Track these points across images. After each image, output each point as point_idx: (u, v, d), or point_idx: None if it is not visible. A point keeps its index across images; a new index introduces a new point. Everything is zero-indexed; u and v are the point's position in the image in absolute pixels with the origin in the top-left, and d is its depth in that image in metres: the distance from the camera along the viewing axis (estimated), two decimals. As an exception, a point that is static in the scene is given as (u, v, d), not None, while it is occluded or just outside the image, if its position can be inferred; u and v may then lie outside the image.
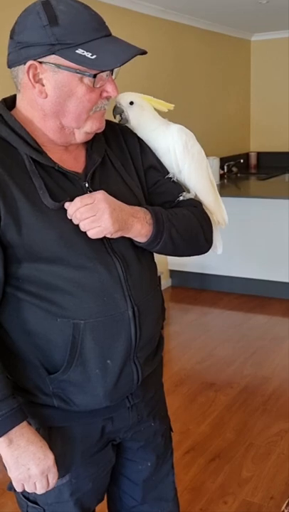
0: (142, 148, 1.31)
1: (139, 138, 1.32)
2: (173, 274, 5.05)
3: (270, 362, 3.54)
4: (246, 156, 6.37)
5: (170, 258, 4.96)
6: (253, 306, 4.53)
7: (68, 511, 1.27)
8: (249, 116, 6.49)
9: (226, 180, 5.54)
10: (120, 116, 1.28)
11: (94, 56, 1.06)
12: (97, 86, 1.11)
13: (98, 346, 1.16)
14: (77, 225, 1.12)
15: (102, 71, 1.09)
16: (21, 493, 1.24)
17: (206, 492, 2.36)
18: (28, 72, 1.08)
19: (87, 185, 1.17)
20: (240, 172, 5.88)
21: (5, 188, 1.08)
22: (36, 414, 1.20)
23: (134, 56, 1.08)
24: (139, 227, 1.17)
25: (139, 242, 1.21)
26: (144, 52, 1.10)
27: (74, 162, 1.20)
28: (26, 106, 1.15)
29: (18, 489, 1.17)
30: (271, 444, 2.67)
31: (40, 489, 1.16)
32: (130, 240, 1.19)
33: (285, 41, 6.01)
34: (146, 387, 1.31)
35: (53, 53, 1.06)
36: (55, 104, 1.11)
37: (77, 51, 1.06)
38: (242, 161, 6.05)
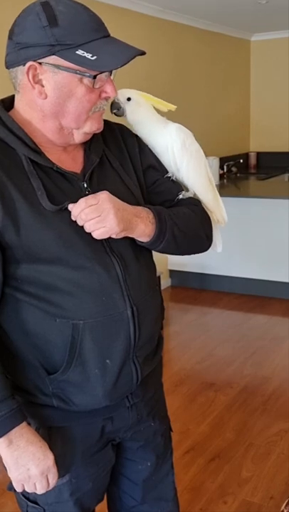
0: (141, 148, 1.31)
1: (138, 138, 1.32)
2: (173, 274, 5.05)
3: (270, 362, 3.55)
4: (246, 156, 6.37)
5: (170, 258, 4.97)
6: (253, 306, 4.53)
7: (68, 511, 1.27)
8: (249, 116, 6.49)
9: (225, 180, 5.54)
10: (117, 111, 1.28)
11: (94, 57, 1.06)
12: (97, 87, 1.11)
13: (97, 346, 1.16)
14: (76, 226, 1.12)
15: (102, 72, 1.09)
16: (21, 493, 1.25)
17: (206, 492, 2.36)
18: (27, 72, 1.08)
19: (85, 185, 1.17)
20: (239, 172, 5.88)
21: (3, 189, 1.08)
22: (36, 414, 1.20)
23: (134, 57, 1.09)
24: (143, 226, 1.18)
25: (142, 242, 1.21)
26: (143, 53, 1.10)
27: (72, 162, 1.20)
28: (25, 107, 1.15)
29: (18, 489, 1.17)
30: (271, 444, 2.67)
31: (40, 489, 1.16)
32: (129, 239, 1.19)
33: (284, 41, 6.01)
34: (145, 387, 1.32)
35: (52, 54, 1.06)
36: (55, 105, 1.11)
37: (77, 52, 1.06)
38: (241, 161, 6.05)
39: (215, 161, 5.06)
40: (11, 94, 1.20)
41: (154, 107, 1.31)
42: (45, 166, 1.13)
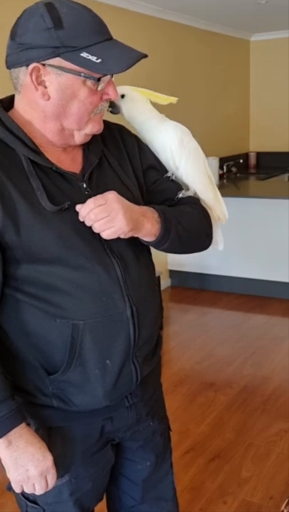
0: (141, 148, 1.31)
1: (137, 138, 1.32)
2: (172, 274, 5.05)
3: (270, 362, 3.55)
4: (246, 156, 6.37)
5: (170, 258, 4.97)
6: (253, 306, 4.53)
7: (68, 511, 1.27)
8: (248, 116, 6.49)
9: (225, 181, 5.53)
10: (113, 109, 1.28)
11: (99, 60, 1.06)
12: (100, 89, 1.12)
13: (97, 346, 1.16)
14: (76, 226, 1.12)
15: (106, 75, 1.10)
16: (21, 493, 1.25)
17: (206, 492, 2.36)
18: (31, 74, 1.08)
19: (84, 185, 1.17)
20: (239, 172, 5.88)
21: (3, 189, 1.08)
22: (36, 414, 1.20)
23: (138, 61, 1.09)
24: (150, 226, 1.18)
25: (148, 242, 1.22)
26: (145, 56, 1.10)
27: (71, 163, 1.20)
28: (26, 107, 1.15)
29: (17, 490, 1.17)
30: (271, 444, 2.67)
31: (38, 490, 1.16)
32: (128, 239, 1.19)
33: (284, 41, 6.01)
34: (145, 387, 1.32)
35: (57, 56, 1.06)
36: (58, 107, 1.11)
37: (81, 54, 1.06)
38: (241, 161, 6.05)
39: (215, 161, 5.05)
40: (10, 94, 1.20)
41: (153, 103, 1.31)
42: (45, 166, 1.13)
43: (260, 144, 6.47)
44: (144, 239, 1.21)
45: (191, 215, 1.30)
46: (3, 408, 1.11)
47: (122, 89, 1.27)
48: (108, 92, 1.14)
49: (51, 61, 1.07)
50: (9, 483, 1.18)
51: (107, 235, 1.12)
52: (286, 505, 1.85)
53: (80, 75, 1.08)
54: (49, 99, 1.10)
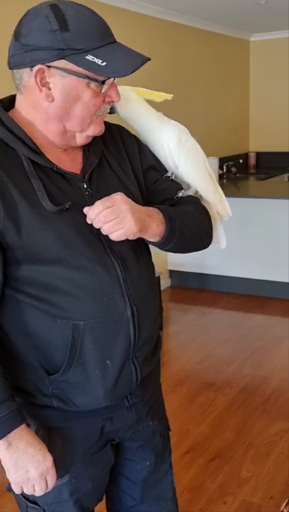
0: (140, 148, 1.31)
1: (137, 139, 1.32)
2: (172, 274, 5.05)
3: (270, 362, 3.55)
4: (245, 156, 6.37)
5: (169, 258, 4.97)
6: (253, 306, 4.53)
7: (68, 511, 1.27)
8: (248, 117, 6.50)
9: (225, 181, 5.54)
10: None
11: (104, 63, 1.06)
12: (104, 91, 1.12)
13: (98, 347, 1.16)
14: (77, 226, 1.12)
15: (109, 78, 1.10)
16: (21, 493, 1.25)
17: (206, 492, 2.36)
18: (36, 75, 1.08)
19: (85, 186, 1.17)
20: (239, 172, 5.88)
21: (4, 189, 1.08)
22: (36, 415, 1.20)
23: (142, 65, 1.09)
24: (155, 226, 1.19)
25: (153, 242, 1.22)
26: (148, 60, 1.10)
27: (72, 163, 1.20)
28: (27, 108, 1.15)
29: (17, 491, 1.17)
30: (270, 444, 2.67)
31: (38, 491, 1.16)
32: (128, 240, 1.19)
33: (284, 41, 6.01)
34: (145, 387, 1.32)
35: (62, 58, 1.06)
36: (61, 109, 1.11)
37: (87, 57, 1.06)
38: (241, 161, 6.06)
39: (214, 161, 5.06)
40: (10, 94, 1.20)
41: (149, 101, 1.31)
42: (45, 166, 1.13)
43: (259, 144, 6.47)
44: (150, 239, 1.21)
45: (193, 215, 1.30)
46: (3, 409, 1.10)
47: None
48: (111, 95, 1.14)
49: (56, 63, 1.07)
50: (9, 484, 1.18)
51: (116, 236, 1.12)
52: (286, 505, 1.85)
53: (85, 78, 1.08)
54: (53, 100, 1.10)
